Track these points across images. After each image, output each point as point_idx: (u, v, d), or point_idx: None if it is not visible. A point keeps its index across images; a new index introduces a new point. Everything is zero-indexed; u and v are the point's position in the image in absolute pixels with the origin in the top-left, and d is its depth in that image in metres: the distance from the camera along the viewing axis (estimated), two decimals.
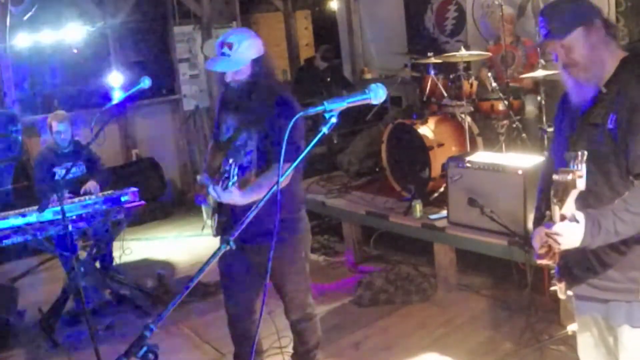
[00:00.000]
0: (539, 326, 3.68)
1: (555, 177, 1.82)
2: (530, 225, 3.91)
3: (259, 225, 2.76)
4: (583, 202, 1.87)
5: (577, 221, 1.81)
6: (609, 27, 2.00)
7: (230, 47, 2.66)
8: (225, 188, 2.52)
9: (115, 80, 6.97)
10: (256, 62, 2.71)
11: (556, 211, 1.82)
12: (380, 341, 3.85)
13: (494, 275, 4.45)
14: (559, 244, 1.86)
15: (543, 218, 2.18)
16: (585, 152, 1.77)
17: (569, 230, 1.82)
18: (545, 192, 2.17)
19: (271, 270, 2.77)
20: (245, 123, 2.75)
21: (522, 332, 3.66)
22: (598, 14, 2.00)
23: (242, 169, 2.74)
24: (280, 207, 2.73)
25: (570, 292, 2.16)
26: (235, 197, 2.58)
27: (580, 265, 2.07)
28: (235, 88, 2.74)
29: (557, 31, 1.96)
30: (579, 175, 1.75)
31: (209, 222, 2.96)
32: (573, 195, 1.78)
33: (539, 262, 2.14)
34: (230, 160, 2.55)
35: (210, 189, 2.61)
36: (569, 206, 1.80)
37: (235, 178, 2.53)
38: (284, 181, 2.69)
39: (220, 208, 2.83)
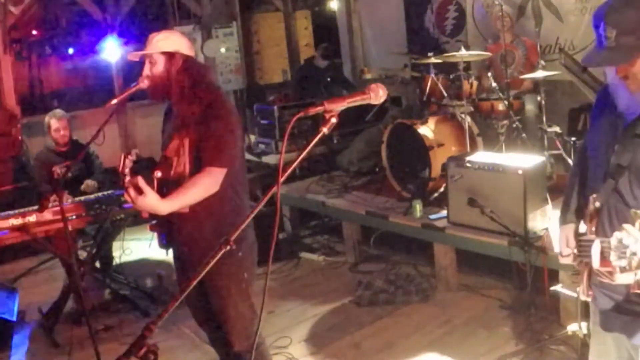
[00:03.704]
0: (539, 326, 3.68)
1: (618, 235, 1.60)
2: (530, 225, 3.93)
3: (195, 241, 2.66)
4: (622, 218, 1.81)
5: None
6: None
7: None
8: (123, 186, 2.36)
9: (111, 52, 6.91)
10: (171, 57, 2.61)
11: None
12: (380, 341, 3.84)
13: (494, 275, 4.45)
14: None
15: (573, 216, 2.14)
16: None
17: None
18: (579, 187, 2.14)
19: (209, 291, 2.70)
20: (175, 129, 2.63)
21: (522, 332, 3.66)
22: None
23: (178, 176, 2.62)
24: (216, 219, 2.62)
25: (589, 298, 2.10)
26: (151, 202, 2.37)
27: (610, 286, 1.95)
28: (151, 87, 2.64)
29: (627, 53, 1.77)
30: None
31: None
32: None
33: (562, 261, 2.13)
34: (122, 155, 2.40)
35: (125, 195, 2.41)
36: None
37: (127, 178, 2.37)
38: (212, 187, 2.51)
39: (155, 216, 2.58)
